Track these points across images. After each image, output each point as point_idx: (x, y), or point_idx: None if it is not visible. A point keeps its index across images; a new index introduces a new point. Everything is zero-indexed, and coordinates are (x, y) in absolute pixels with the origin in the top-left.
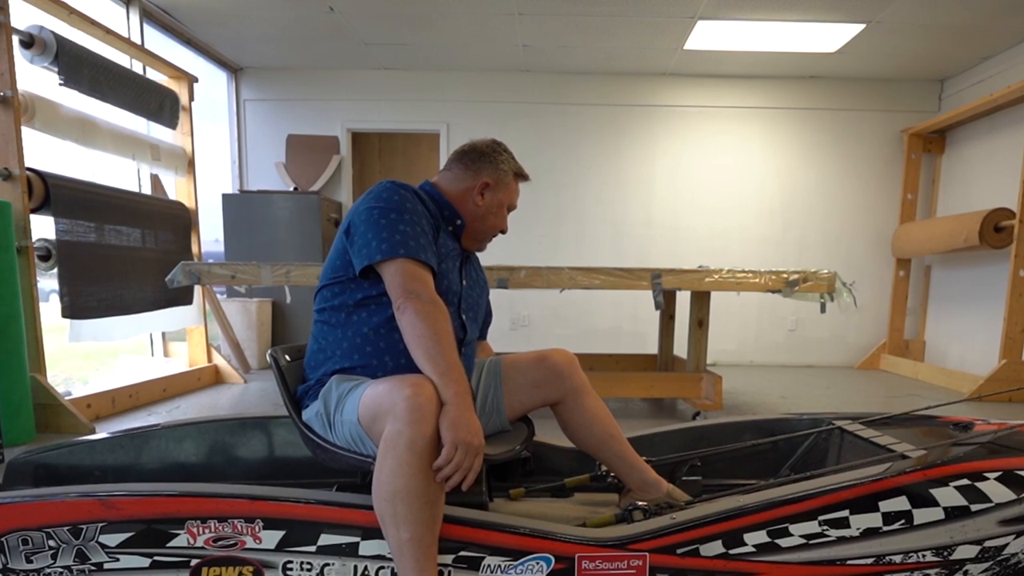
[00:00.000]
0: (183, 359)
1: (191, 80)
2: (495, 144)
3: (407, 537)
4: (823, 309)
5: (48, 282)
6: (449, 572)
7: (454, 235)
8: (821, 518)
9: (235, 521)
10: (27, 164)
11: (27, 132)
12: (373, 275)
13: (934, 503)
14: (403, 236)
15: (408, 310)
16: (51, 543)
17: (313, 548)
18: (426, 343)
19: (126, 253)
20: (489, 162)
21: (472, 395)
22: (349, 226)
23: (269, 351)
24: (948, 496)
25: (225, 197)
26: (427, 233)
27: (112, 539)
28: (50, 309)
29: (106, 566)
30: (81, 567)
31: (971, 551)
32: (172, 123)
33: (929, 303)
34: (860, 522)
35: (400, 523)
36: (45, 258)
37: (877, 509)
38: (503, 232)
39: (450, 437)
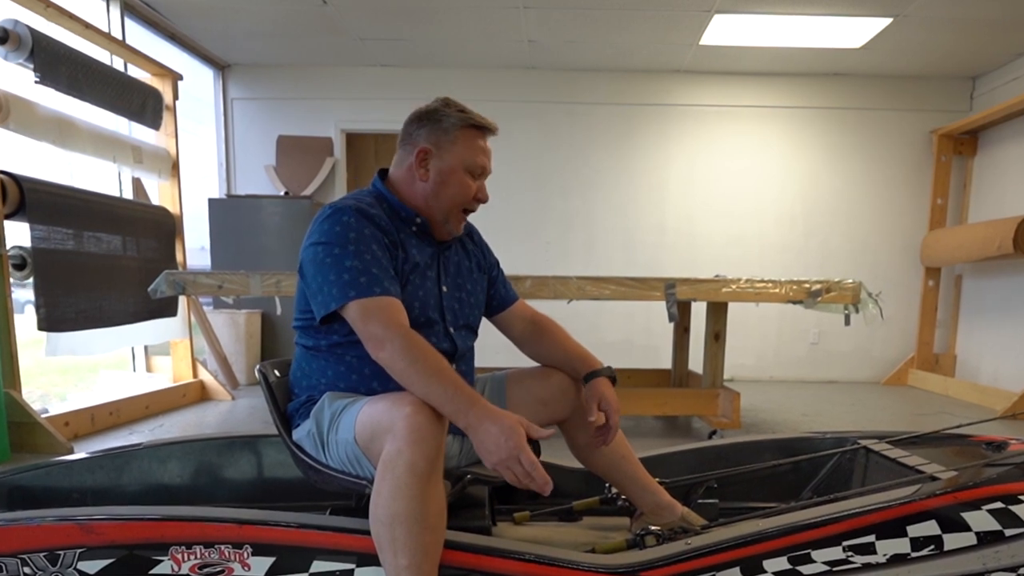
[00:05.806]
0: (167, 374)
1: (175, 78)
2: (440, 100)
3: (405, 564)
4: (847, 321)
5: (23, 292)
6: None
7: (419, 235)
8: (846, 543)
9: (222, 547)
10: (0, 167)
11: (0, 133)
12: (338, 317)
13: (966, 528)
14: (352, 274)
15: (381, 355)
16: (26, 570)
17: None
18: (415, 381)
19: (106, 262)
20: (427, 123)
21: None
22: (301, 266)
23: (258, 366)
24: (981, 520)
25: (211, 202)
26: (379, 258)
27: (91, 566)
28: (25, 321)
29: None
30: None
31: None
32: (155, 123)
33: (960, 315)
34: (887, 548)
35: (399, 549)
36: (20, 267)
37: (905, 534)
38: (481, 201)
39: (492, 461)
